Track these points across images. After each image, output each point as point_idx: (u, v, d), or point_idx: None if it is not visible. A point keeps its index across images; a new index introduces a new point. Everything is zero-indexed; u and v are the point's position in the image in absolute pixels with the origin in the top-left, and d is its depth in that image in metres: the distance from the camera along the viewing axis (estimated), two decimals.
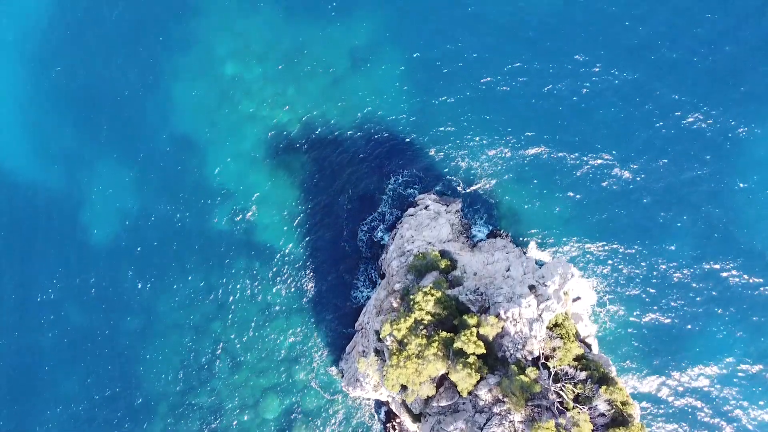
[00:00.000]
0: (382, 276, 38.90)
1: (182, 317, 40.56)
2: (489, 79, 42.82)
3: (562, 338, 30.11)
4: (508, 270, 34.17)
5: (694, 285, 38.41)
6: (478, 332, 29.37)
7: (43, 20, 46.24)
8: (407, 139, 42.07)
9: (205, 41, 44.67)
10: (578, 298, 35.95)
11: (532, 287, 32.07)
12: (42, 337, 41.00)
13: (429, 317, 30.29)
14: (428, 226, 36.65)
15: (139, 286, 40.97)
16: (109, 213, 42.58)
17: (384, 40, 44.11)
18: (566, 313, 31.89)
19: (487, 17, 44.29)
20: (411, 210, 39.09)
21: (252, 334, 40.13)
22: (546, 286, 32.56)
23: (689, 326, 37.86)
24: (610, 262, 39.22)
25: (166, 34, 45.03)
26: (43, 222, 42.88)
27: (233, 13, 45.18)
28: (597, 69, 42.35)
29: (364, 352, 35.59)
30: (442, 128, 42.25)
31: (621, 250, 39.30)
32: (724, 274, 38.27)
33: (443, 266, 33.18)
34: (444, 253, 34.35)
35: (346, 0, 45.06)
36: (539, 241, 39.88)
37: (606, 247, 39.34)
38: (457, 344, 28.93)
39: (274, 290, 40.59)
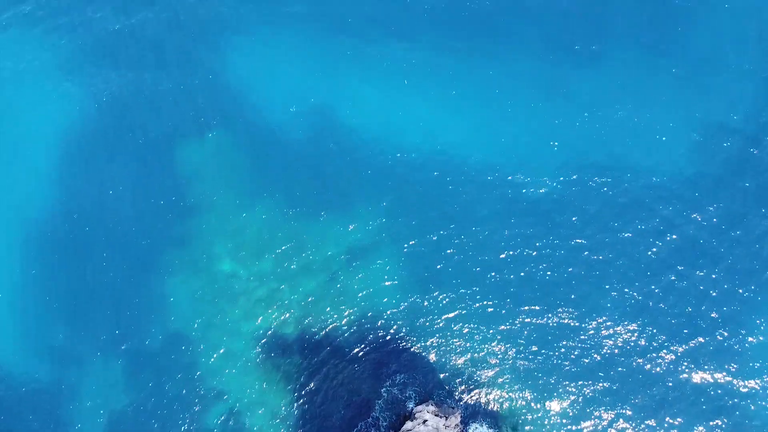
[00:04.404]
0: None
1: None
2: (484, 269, 42.40)
3: None
4: None
5: None
6: None
7: (38, 209, 46.89)
8: (404, 339, 41.41)
9: (202, 238, 45.16)
10: None
11: None
12: None
13: None
14: None
15: None
16: (98, 413, 41.09)
17: (379, 236, 44.42)
18: None
19: (481, 203, 44.58)
20: (408, 424, 37.65)
21: None
22: None
23: None
24: None
25: (162, 231, 45.55)
26: (28, 420, 41.25)
27: (231, 210, 45.97)
28: (602, 256, 41.94)
29: None
30: (439, 326, 41.61)
31: None
32: None
33: None
34: None
35: (341, 198, 45.90)
36: None
37: None
38: None
39: None
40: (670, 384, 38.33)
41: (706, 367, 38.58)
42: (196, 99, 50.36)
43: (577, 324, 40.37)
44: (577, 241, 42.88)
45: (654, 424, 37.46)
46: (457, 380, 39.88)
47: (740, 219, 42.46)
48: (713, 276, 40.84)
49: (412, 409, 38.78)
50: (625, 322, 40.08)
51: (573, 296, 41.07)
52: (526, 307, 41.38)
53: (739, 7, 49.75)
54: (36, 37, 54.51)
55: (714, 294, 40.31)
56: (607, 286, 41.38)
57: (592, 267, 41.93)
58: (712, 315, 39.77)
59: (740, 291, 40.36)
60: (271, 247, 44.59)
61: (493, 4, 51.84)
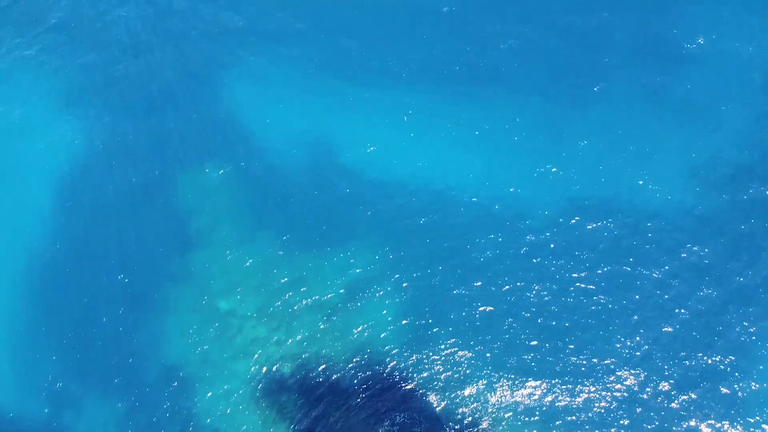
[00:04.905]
0: None
1: None
2: (487, 309, 41.86)
3: None
4: None
5: None
6: None
7: (36, 244, 46.93)
8: (404, 378, 40.50)
9: (201, 275, 44.86)
10: None
11: None
12: None
13: None
14: None
15: None
16: None
17: (379, 273, 43.98)
18: None
19: (484, 243, 44.01)
20: None
21: None
22: None
23: None
24: None
25: (160, 268, 45.39)
26: None
27: (230, 247, 45.68)
28: (606, 297, 41.16)
29: None
30: (440, 366, 40.70)
31: None
32: None
33: None
34: None
35: (340, 234, 45.60)
36: None
37: None
38: None
39: None
40: None
41: (714, 415, 37.19)
42: (198, 136, 50.73)
43: (583, 369, 39.23)
44: (580, 278, 41.94)
45: None
46: (458, 422, 38.76)
47: (749, 257, 41.67)
48: (723, 320, 39.86)
49: None
50: (631, 368, 39.04)
51: (577, 339, 40.07)
52: (530, 345, 40.39)
53: (746, 52, 49.97)
54: (40, 79, 55.47)
55: (723, 339, 39.21)
56: (611, 328, 40.35)
57: (596, 308, 40.96)
58: (722, 361, 38.69)
59: (752, 337, 39.22)
60: (270, 283, 44.19)
61: (494, 47, 52.25)
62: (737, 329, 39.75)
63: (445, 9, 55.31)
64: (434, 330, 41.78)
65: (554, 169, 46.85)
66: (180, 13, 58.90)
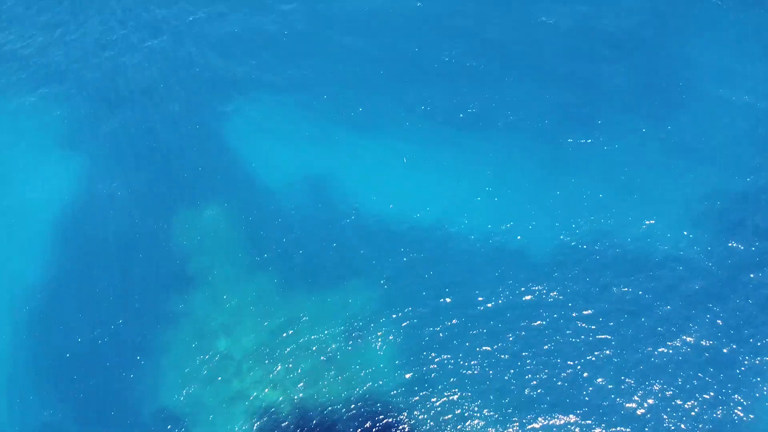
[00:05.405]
0: None
1: None
2: (488, 349, 41.04)
3: None
4: None
5: None
6: None
7: (31, 282, 47.02)
8: (402, 421, 39.39)
9: (199, 314, 44.64)
10: None
11: None
12: None
13: None
14: None
15: None
16: None
17: (377, 314, 43.55)
18: None
19: (485, 284, 43.72)
20: None
21: None
22: None
23: None
24: None
25: (158, 306, 45.18)
26: None
27: (229, 285, 45.68)
28: (613, 348, 40.37)
29: None
30: (439, 407, 39.62)
31: None
32: None
33: None
34: None
35: (341, 272, 45.45)
36: None
37: None
38: None
39: None
40: None
41: None
42: (199, 177, 51.29)
43: (591, 417, 37.82)
44: (585, 319, 41.17)
45: None
46: None
47: (757, 302, 40.73)
48: (734, 367, 38.48)
49: None
50: (640, 416, 37.59)
51: (582, 383, 38.93)
52: (533, 389, 39.26)
53: (750, 99, 50.25)
54: (41, 118, 56.80)
55: (733, 384, 37.72)
56: (617, 372, 39.21)
57: (602, 352, 40.04)
58: (734, 411, 37.01)
59: (765, 386, 37.90)
60: (268, 323, 43.74)
61: (495, 92, 52.98)
62: (750, 377, 38.23)
63: (446, 58, 56.56)
64: (435, 371, 40.97)
65: (558, 212, 46.41)
66: (185, 57, 60.81)
